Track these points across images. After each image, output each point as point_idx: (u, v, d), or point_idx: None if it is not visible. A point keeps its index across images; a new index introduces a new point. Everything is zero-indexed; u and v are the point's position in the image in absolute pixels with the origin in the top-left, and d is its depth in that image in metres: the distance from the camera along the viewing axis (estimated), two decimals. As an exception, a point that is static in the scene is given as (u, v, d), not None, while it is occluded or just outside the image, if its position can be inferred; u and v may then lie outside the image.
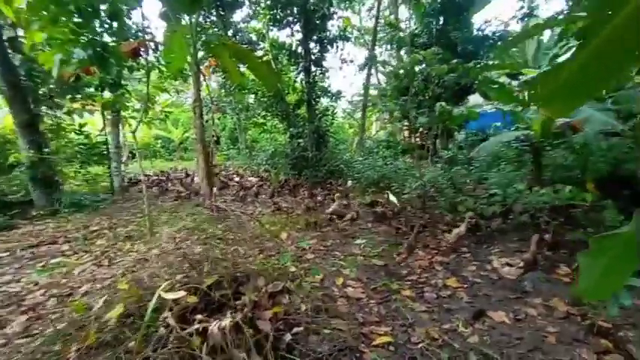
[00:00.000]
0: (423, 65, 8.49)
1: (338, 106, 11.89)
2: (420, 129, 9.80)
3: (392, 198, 5.71)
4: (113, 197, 8.03)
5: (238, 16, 12.17)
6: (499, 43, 9.44)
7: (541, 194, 3.74)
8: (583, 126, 3.40)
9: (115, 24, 4.00)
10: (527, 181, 4.70)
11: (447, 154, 7.17)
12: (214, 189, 6.41)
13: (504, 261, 3.04)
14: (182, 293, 1.96)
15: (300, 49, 9.27)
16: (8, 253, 4.34)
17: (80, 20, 3.62)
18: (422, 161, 10.25)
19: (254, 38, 11.60)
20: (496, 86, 4.57)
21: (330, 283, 3.06)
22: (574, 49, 1.26)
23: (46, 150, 6.67)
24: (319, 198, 6.33)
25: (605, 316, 2.23)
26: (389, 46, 13.21)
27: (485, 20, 9.99)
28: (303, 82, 9.28)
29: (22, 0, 2.93)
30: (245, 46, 9.60)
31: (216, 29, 10.31)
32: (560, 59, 8.08)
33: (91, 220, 5.94)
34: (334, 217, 4.72)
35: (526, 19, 10.25)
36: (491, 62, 8.22)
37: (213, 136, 6.69)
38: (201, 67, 9.62)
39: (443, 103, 5.11)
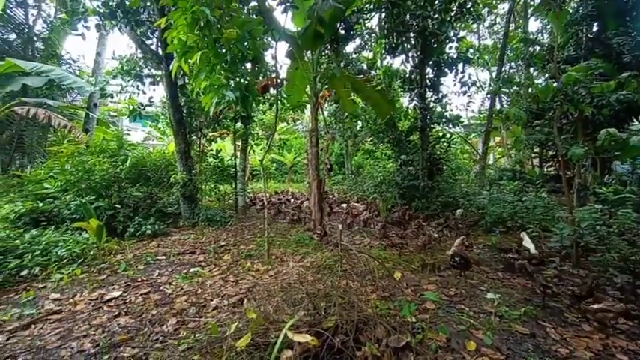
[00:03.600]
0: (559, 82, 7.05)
1: (455, 133, 10.94)
2: (559, 157, 8.05)
3: (527, 242, 4.73)
4: (237, 215, 9.12)
5: (350, 47, 12.79)
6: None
7: None
8: None
9: (256, 67, 4.58)
10: None
11: (607, 191, 5.57)
12: (325, 215, 6.55)
13: None
14: (308, 337, 1.89)
15: (414, 75, 9.00)
16: (165, 257, 5.28)
17: (230, 66, 4.30)
18: (561, 197, 8.37)
19: (365, 67, 11.92)
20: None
21: (459, 347, 2.57)
22: None
23: (193, 172, 8.12)
24: (435, 235, 5.73)
25: None
26: (517, 64, 11.62)
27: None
28: (417, 108, 8.91)
29: (196, 56, 3.61)
30: (359, 76, 9.90)
31: (330, 62, 11.02)
32: None
33: (219, 235, 6.81)
34: (456, 260, 4.11)
35: None
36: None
37: (326, 163, 6.94)
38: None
39: (612, 130, 4.00)
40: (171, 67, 5.98)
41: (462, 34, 9.66)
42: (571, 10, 9.06)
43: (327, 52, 11.46)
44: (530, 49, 11.34)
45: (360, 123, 13.60)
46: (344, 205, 10.16)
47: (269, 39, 7.04)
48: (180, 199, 7.94)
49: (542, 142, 7.74)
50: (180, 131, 7.90)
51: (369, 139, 12.35)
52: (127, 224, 6.57)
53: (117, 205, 6.70)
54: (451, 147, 9.39)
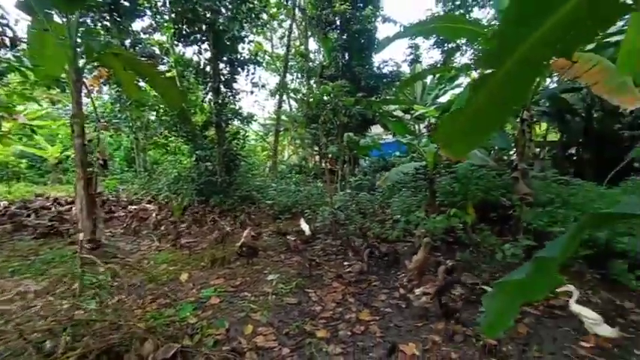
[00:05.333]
0: (332, 95, 9.02)
1: (250, 130, 11.58)
2: (330, 155, 10.26)
3: (303, 225, 5.65)
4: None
5: (139, 25, 11.01)
6: (395, 81, 10.76)
7: (437, 220, 4.16)
8: (464, 159, 3.96)
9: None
10: (424, 206, 5.23)
11: (354, 180, 7.58)
12: (98, 222, 5.30)
13: (419, 291, 3.14)
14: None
15: (208, 69, 8.80)
16: None
17: None
18: (333, 186, 10.67)
19: (157, 51, 10.60)
20: (394, 119, 5.05)
21: (237, 334, 2.70)
22: (468, 97, 1.38)
23: None
24: (228, 228, 5.84)
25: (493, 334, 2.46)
26: (299, 75, 13.71)
27: (383, 60, 11.28)
28: (212, 102, 8.77)
29: None
30: (144, 59, 8.61)
31: (110, 36, 9.02)
32: (440, 100, 9.64)
33: None
34: (244, 250, 4.35)
35: (413, 64, 12.02)
36: (388, 97, 9.20)
37: (98, 158, 5.59)
38: (87, 77, 8.21)
39: (351, 134, 5.40)
40: None
41: (256, 38, 10.36)
42: (333, 40, 11.52)
43: (105, 22, 9.30)
44: (311, 64, 13.64)
45: (153, 114, 12.00)
46: (132, 208, 8.68)
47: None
48: None
49: (316, 141, 9.53)
50: None
51: (162, 132, 11.11)
52: None
53: None
54: (247, 143, 9.88)
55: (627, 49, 1.52)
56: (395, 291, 3.57)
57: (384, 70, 11.25)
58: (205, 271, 4.16)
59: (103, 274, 3.75)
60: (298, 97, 11.16)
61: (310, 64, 13.67)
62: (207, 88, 8.88)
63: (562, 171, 7.93)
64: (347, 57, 10.89)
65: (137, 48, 9.77)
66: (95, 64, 6.95)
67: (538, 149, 11.30)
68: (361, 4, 10.35)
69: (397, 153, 8.25)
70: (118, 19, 9.20)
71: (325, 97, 8.59)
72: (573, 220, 3.79)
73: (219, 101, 8.63)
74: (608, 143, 7.24)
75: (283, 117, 13.41)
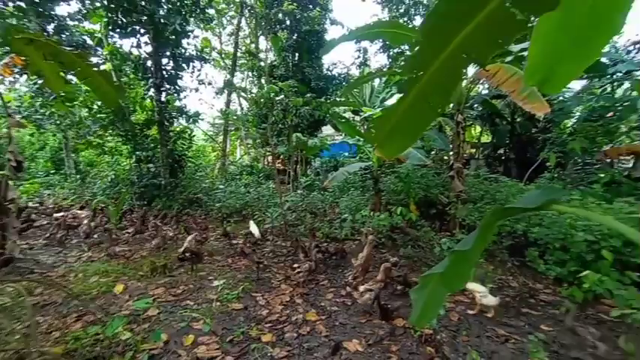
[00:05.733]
0: (282, 96, 8.96)
1: (196, 129, 11.03)
2: (282, 155, 10.17)
3: (253, 227, 5.53)
4: None
5: (64, 10, 9.86)
6: (344, 83, 11.03)
7: (381, 218, 4.34)
8: (406, 159, 4.19)
9: None
10: (370, 205, 5.43)
11: (305, 180, 7.61)
12: (10, 234, 4.63)
13: (363, 288, 3.23)
14: None
15: (149, 63, 8.19)
16: None
17: None
18: (285, 186, 10.60)
19: (88, 42, 9.58)
20: (343, 120, 5.17)
21: (177, 345, 2.54)
22: (397, 100, 1.46)
23: None
24: (171, 233, 5.50)
25: (428, 325, 2.64)
26: (249, 73, 13.39)
27: (333, 62, 11.51)
28: (154, 100, 8.18)
29: None
30: (71, 48, 7.74)
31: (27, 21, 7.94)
32: (387, 102, 10.11)
33: None
34: (187, 255, 4.12)
35: (362, 67, 12.44)
36: (338, 99, 9.40)
37: (9, 159, 4.88)
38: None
39: (299, 134, 5.41)
40: None
41: (204, 34, 9.87)
42: (284, 39, 11.46)
43: (19, 2, 8.15)
44: (262, 63, 13.40)
45: (84, 110, 10.84)
46: (58, 215, 7.75)
47: None
48: None
49: (267, 142, 9.39)
50: None
51: (96, 132, 10.11)
52: None
53: None
54: (194, 143, 9.41)
55: (531, 62, 1.71)
56: (342, 289, 3.65)
57: (334, 72, 11.47)
58: (144, 281, 3.86)
59: (10, 295, 3.28)
60: (248, 96, 10.88)
61: (262, 63, 13.46)
62: (149, 84, 8.27)
63: (493, 170, 8.79)
64: (297, 57, 10.89)
65: (62, 35, 8.76)
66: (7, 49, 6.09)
67: (474, 150, 12.40)
68: (310, 5, 10.42)
69: (346, 153, 8.46)
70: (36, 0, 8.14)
71: (276, 97, 8.52)
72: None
73: (162, 98, 8.09)
74: (528, 145, 8.19)
75: (233, 116, 13.00)
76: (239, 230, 6.18)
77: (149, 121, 8.46)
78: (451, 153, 7.10)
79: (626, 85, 5.92)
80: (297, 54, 10.84)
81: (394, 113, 1.50)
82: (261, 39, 16.78)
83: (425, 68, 1.28)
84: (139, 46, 8.20)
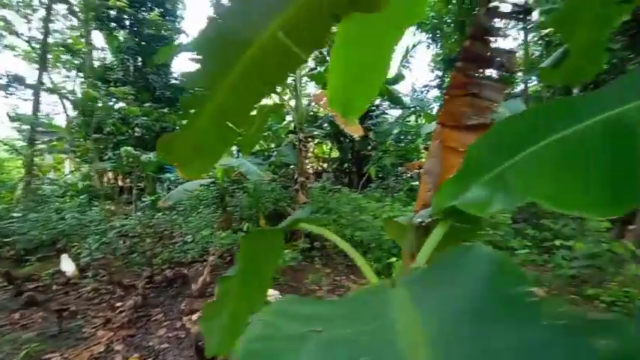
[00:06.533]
0: (122, 104, 7.69)
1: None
2: (131, 172, 8.62)
3: (66, 263, 4.41)
4: None
5: None
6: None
7: (223, 236, 4.17)
8: (248, 176, 4.20)
9: None
10: (220, 223, 5.18)
11: (149, 199, 6.64)
12: None
13: (196, 316, 2.95)
14: None
15: None
16: None
17: None
18: (130, 207, 9.00)
19: None
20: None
21: None
22: (191, 118, 1.36)
23: None
24: None
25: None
26: (75, 72, 10.85)
27: (182, 72, 10.65)
28: None
29: None
30: None
31: None
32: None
33: None
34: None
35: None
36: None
37: None
38: None
39: (129, 148, 4.68)
40: None
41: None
42: (122, 39, 9.88)
43: None
44: (97, 62, 11.13)
45: None
46: None
47: None
48: None
49: (101, 156, 7.80)
50: None
51: None
52: None
53: None
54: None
55: (331, 92, 1.96)
56: (177, 321, 3.26)
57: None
58: None
59: None
60: (72, 99, 8.72)
61: (96, 62, 11.17)
62: None
63: (340, 181, 9.98)
64: (140, 62, 9.60)
65: None
66: None
67: (326, 164, 13.86)
68: (155, 7, 9.43)
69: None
70: None
71: (116, 106, 7.18)
72: (333, 221, 4.75)
73: None
74: (363, 160, 9.73)
75: (59, 123, 10.26)
76: (46, 270, 4.77)
77: None
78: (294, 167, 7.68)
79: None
80: (139, 58, 9.53)
81: (191, 131, 1.42)
82: (99, 36, 14.08)
83: (212, 88, 1.25)
84: None
